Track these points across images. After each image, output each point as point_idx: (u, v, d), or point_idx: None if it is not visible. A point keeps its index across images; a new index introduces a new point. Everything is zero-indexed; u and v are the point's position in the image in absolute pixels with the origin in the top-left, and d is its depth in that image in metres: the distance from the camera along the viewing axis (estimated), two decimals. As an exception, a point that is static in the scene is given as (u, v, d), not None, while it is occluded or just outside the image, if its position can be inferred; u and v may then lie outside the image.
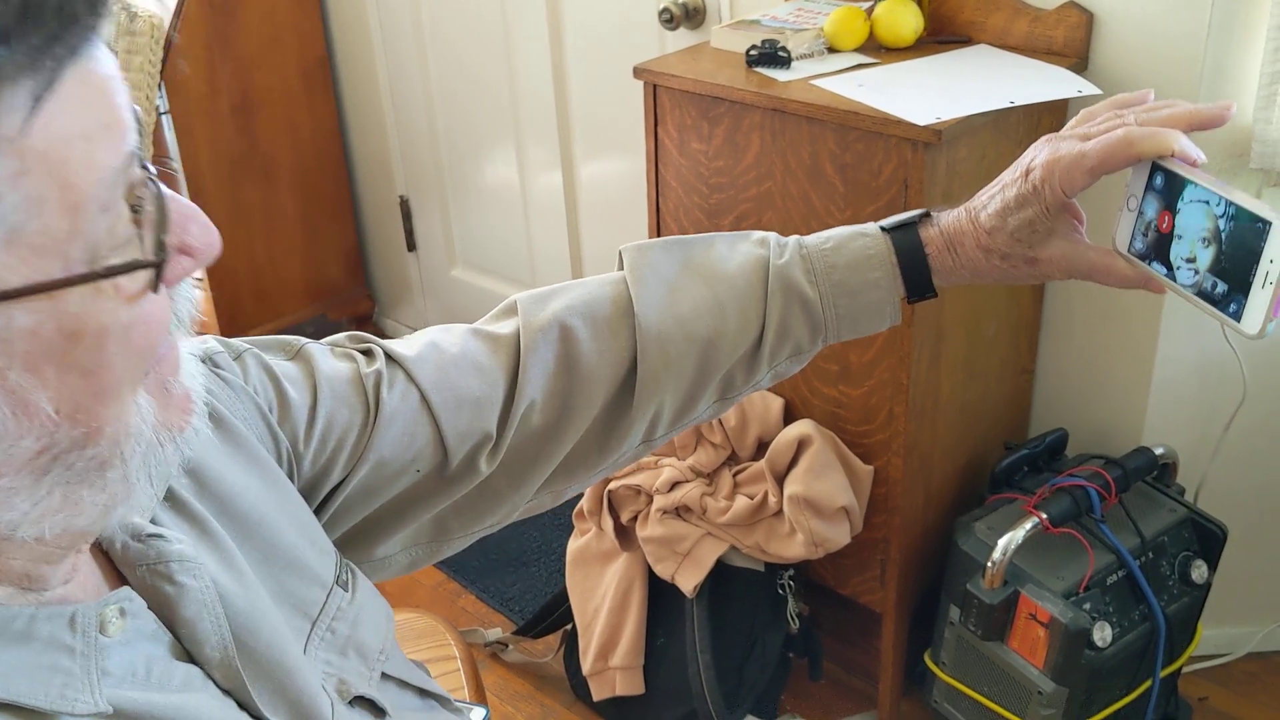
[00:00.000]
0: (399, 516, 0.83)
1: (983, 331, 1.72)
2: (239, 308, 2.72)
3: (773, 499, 1.70)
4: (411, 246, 2.93)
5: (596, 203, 2.43)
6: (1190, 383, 1.79)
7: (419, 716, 0.81)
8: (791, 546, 1.70)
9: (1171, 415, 1.81)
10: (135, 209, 0.51)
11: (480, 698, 1.35)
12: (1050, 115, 1.61)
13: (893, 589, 1.77)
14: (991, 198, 0.82)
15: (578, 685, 1.99)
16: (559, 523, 2.29)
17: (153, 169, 0.53)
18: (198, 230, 0.55)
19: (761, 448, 1.77)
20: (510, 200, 2.60)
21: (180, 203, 0.55)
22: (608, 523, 1.83)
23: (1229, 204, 0.72)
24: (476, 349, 0.85)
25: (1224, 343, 1.68)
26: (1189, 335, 1.74)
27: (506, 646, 2.10)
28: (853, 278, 0.84)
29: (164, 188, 0.53)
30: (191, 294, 0.58)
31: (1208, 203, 0.73)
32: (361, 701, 0.74)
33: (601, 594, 1.90)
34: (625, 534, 1.84)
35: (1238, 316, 0.72)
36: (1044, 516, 1.57)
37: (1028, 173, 0.79)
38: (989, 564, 1.56)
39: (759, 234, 0.89)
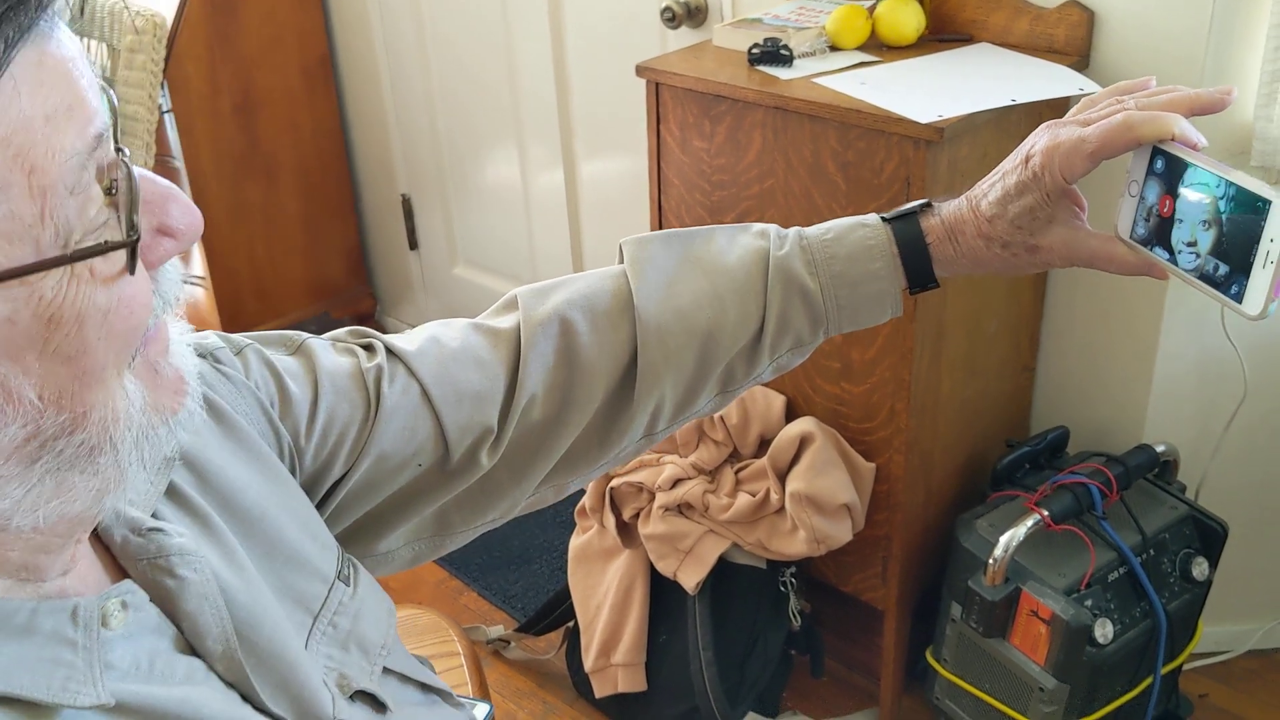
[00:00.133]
0: (401, 511, 0.83)
1: (984, 329, 1.72)
2: (241, 307, 2.72)
3: (774, 496, 1.70)
4: (413, 245, 2.93)
5: (597, 201, 2.43)
6: (1191, 380, 1.79)
7: (421, 711, 0.81)
8: (793, 544, 1.70)
9: (1172, 412, 1.81)
10: (110, 191, 0.51)
11: (484, 694, 1.35)
12: (1051, 113, 1.60)
13: (894, 586, 1.77)
14: (992, 186, 0.82)
15: (580, 682, 1.99)
16: (561, 520, 2.29)
17: (126, 150, 0.52)
18: (178, 211, 0.54)
19: (763, 445, 1.77)
20: (512, 199, 2.60)
21: (158, 183, 0.54)
22: (610, 520, 1.83)
23: (1229, 185, 0.71)
24: (477, 343, 0.85)
25: (1225, 340, 1.68)
26: (1190, 332, 1.74)
27: (508, 643, 2.11)
28: (853, 268, 0.84)
29: (136, 168, 0.52)
30: (178, 274, 0.58)
31: (1208, 184, 0.73)
32: (362, 696, 0.74)
33: (603, 591, 1.90)
34: (627, 531, 1.85)
35: (1239, 298, 0.71)
36: (1045, 513, 1.57)
37: (1028, 159, 0.79)
38: (990, 561, 1.56)
39: (759, 226, 0.89)
